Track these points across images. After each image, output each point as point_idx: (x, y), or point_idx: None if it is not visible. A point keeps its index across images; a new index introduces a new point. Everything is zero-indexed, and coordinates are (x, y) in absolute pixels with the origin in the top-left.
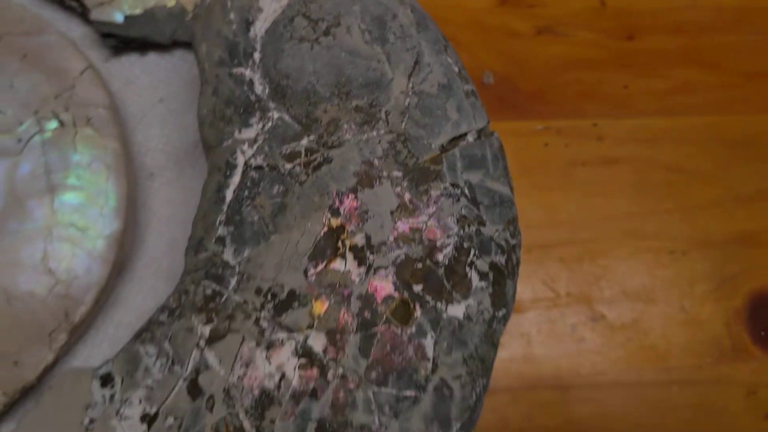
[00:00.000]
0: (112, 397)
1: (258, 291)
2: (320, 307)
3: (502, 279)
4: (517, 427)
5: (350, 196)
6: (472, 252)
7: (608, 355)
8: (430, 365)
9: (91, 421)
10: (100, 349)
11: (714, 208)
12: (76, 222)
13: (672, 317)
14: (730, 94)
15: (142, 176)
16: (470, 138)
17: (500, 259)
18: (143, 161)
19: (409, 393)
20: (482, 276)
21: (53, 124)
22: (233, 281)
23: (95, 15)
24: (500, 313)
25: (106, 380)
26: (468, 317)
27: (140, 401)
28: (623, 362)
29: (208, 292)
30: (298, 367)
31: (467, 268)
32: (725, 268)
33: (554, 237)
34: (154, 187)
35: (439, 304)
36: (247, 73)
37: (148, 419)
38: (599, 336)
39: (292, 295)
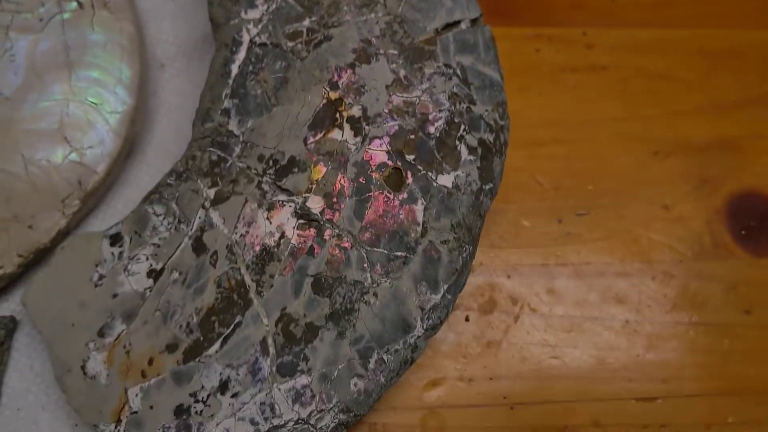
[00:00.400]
0: (120, 254)
1: (260, 158)
2: (318, 172)
3: (489, 155)
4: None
5: (348, 71)
6: (462, 127)
7: (593, 246)
8: (419, 229)
9: (101, 277)
10: (109, 223)
11: (696, 114)
12: (91, 97)
13: (654, 214)
14: (713, 9)
15: (153, 67)
16: (463, 26)
17: (489, 137)
18: (154, 52)
19: (400, 254)
20: (471, 150)
21: (73, 5)
22: (237, 149)
23: None
24: (487, 187)
25: (116, 239)
26: (456, 187)
27: (147, 258)
28: (606, 254)
29: (214, 158)
30: (297, 227)
31: (457, 142)
32: (706, 170)
33: (544, 135)
34: (164, 78)
35: (429, 174)
36: None
37: (154, 274)
38: (585, 229)
39: (292, 162)
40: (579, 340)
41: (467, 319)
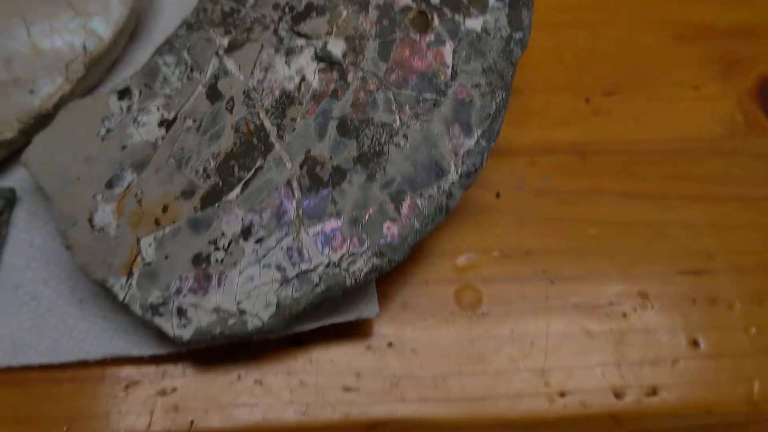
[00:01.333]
0: (129, 107)
1: (275, 6)
2: (339, 15)
3: (517, 5)
4: (534, 187)
5: None
6: None
7: (622, 125)
8: (449, 72)
9: (108, 130)
10: None
11: (716, 1)
12: None
13: (683, 95)
14: None
15: None
16: None
17: None
18: None
19: (429, 96)
20: None
21: None
22: None
23: None
24: (517, 36)
25: (124, 93)
26: (486, 31)
27: (158, 108)
28: (636, 133)
29: (226, 9)
30: (318, 70)
31: None
32: (732, 54)
33: (566, 19)
34: None
35: (456, 16)
36: None
37: (166, 124)
38: (613, 108)
39: (310, 6)
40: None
41: (498, 196)
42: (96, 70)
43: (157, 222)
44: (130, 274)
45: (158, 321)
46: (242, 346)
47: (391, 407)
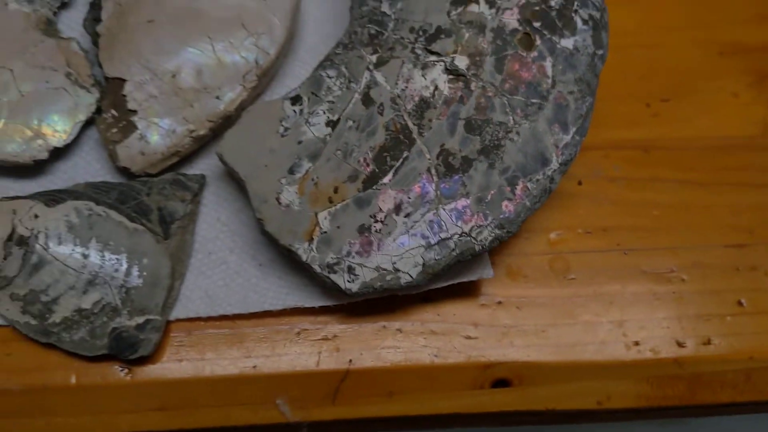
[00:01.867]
0: (301, 111)
1: (411, 29)
2: (462, 37)
3: (598, 28)
4: (608, 176)
5: None
6: (576, 3)
7: (677, 126)
8: (550, 81)
9: (285, 129)
10: None
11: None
12: None
13: (726, 101)
14: None
15: None
16: None
17: (595, 14)
18: None
19: (535, 101)
20: (584, 21)
21: None
22: (391, 24)
23: None
24: (599, 52)
25: (295, 100)
26: (576, 49)
27: (324, 112)
28: (688, 131)
29: (372, 32)
30: (448, 81)
31: (573, 14)
32: (766, 66)
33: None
34: None
35: (554, 37)
36: None
37: (332, 124)
38: (670, 111)
39: (439, 30)
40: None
41: (580, 183)
42: (264, 80)
43: (330, 200)
44: (311, 240)
45: (333, 277)
46: (385, 302)
47: (502, 351)
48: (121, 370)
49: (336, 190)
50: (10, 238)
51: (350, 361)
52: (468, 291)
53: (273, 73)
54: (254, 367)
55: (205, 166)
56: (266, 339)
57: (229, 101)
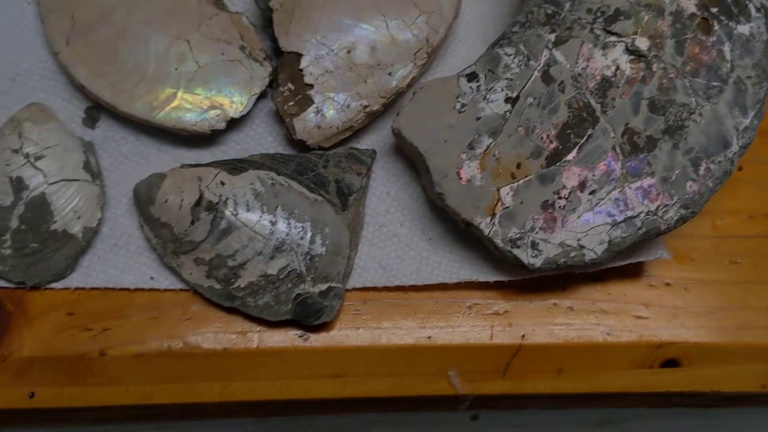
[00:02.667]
0: (478, 88)
1: (588, 11)
2: (642, 19)
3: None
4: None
5: None
6: None
7: None
8: (728, 65)
9: (462, 105)
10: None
11: None
12: None
13: None
14: None
15: None
16: None
17: (766, 2)
18: None
19: (716, 84)
20: (757, 9)
21: None
22: (567, 4)
23: None
24: None
25: (472, 77)
26: (752, 35)
27: (502, 89)
28: None
29: (549, 11)
30: (629, 61)
31: (747, 1)
32: None
33: None
34: None
35: (730, 23)
36: None
37: (511, 101)
38: None
39: (618, 12)
40: None
41: (740, 169)
42: (431, 58)
43: (512, 176)
44: (493, 215)
45: (516, 252)
46: (554, 280)
47: (673, 332)
48: (300, 336)
49: (518, 166)
50: (198, 203)
51: (523, 336)
52: (636, 272)
53: (439, 51)
54: (429, 338)
55: (371, 141)
56: (439, 311)
57: (401, 78)
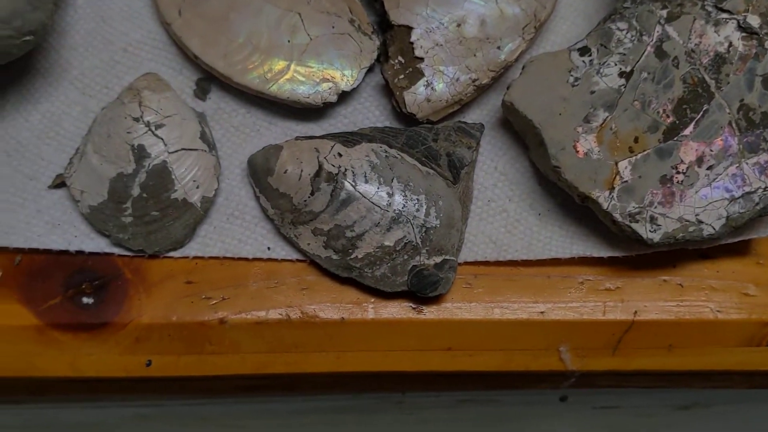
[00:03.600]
0: (590, 62)
1: None
2: None
3: None
4: None
5: None
6: None
7: None
8: None
9: (576, 79)
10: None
11: None
12: None
13: None
14: None
15: None
16: None
17: None
18: None
19: None
20: None
21: None
22: None
23: None
24: None
25: (583, 51)
26: None
27: (615, 63)
28: None
29: None
30: (741, 38)
31: None
32: None
33: None
34: None
35: None
36: None
37: (625, 75)
38: None
39: None
40: None
41: None
42: (538, 33)
43: (630, 150)
44: (611, 189)
45: (635, 226)
46: (662, 257)
47: None
48: (414, 308)
49: (636, 140)
50: (317, 174)
51: (635, 312)
52: (744, 250)
53: (546, 23)
54: (542, 312)
55: (475, 115)
56: (551, 287)
57: (510, 52)
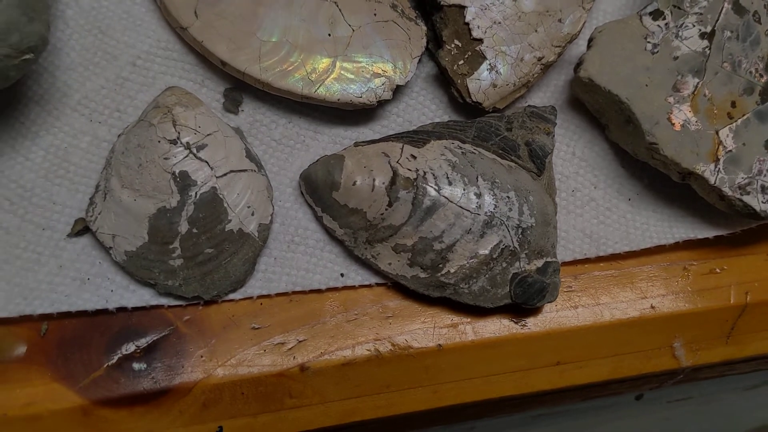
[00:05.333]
0: (666, 26)
1: None
2: None
3: None
4: None
5: None
6: None
7: None
8: None
9: (654, 45)
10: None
11: None
12: None
13: None
14: None
15: None
16: None
17: None
18: None
19: None
20: None
21: None
22: None
23: None
24: None
25: (656, 15)
26: None
27: (694, 25)
28: None
29: None
30: None
31: None
32: None
33: None
34: None
35: None
36: None
37: (706, 36)
38: None
39: None
40: None
41: None
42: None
43: (729, 116)
44: (716, 161)
45: (746, 198)
46: (765, 230)
47: None
48: (517, 323)
49: (733, 105)
50: (392, 182)
51: (746, 293)
52: None
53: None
54: (652, 307)
55: (538, 99)
56: (656, 277)
57: (572, 24)
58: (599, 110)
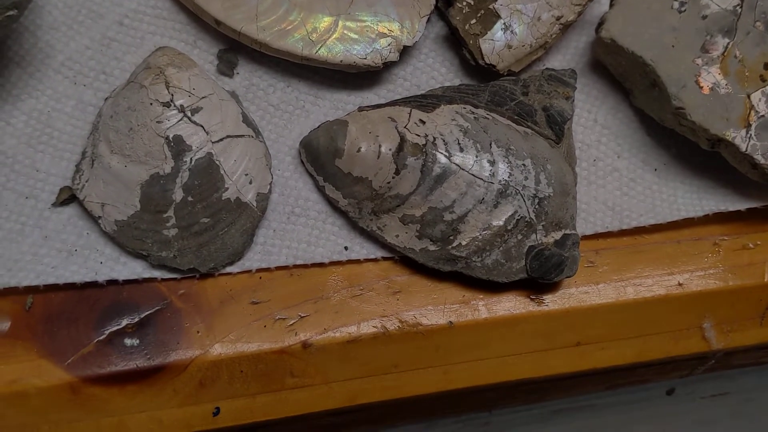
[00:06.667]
0: None
1: None
2: None
3: None
4: None
5: None
6: None
7: None
8: None
9: (682, 4)
10: None
11: None
12: None
13: None
14: None
15: None
16: None
17: None
18: None
19: None
20: None
21: None
22: None
23: None
24: None
25: None
26: None
27: None
28: None
29: None
30: None
31: None
32: None
33: None
34: None
35: None
36: None
37: None
38: None
39: None
40: None
41: None
42: None
43: (762, 78)
44: (747, 127)
45: None
46: None
47: None
48: (533, 300)
49: (766, 66)
50: (400, 148)
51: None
52: None
53: None
54: (680, 284)
55: (557, 61)
56: (684, 253)
57: None
58: (623, 74)
